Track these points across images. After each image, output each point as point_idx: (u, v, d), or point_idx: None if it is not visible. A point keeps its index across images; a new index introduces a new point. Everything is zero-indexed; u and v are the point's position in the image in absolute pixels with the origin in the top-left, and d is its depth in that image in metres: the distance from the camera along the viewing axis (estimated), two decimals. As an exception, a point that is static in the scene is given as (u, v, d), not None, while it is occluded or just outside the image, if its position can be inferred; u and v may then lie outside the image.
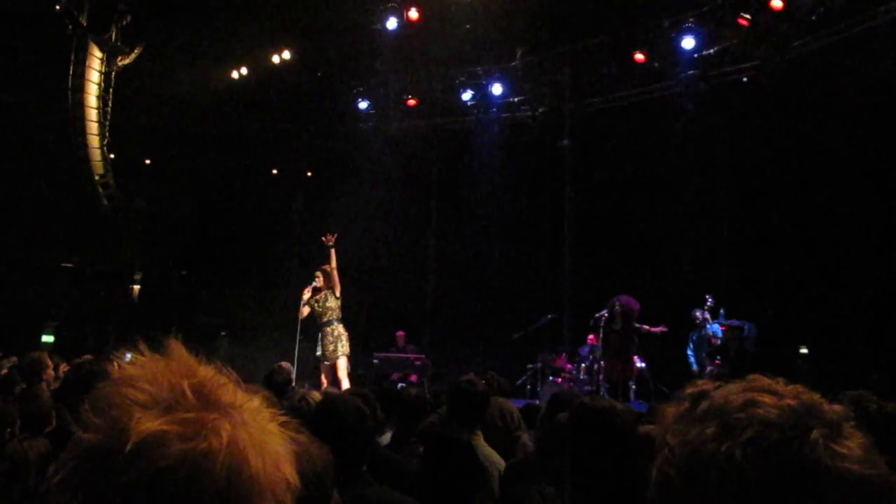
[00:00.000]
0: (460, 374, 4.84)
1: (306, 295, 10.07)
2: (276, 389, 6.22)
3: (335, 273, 10.02)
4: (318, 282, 10.05)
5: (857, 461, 0.90)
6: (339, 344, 9.96)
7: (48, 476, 0.81)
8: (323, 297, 10.01)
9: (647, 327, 10.90)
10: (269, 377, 6.76)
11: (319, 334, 10.10)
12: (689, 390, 1.03)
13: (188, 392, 0.82)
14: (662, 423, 1.02)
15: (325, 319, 10.01)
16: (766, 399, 0.94)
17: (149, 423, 0.78)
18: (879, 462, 0.92)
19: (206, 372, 0.87)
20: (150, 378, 0.83)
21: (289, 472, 0.86)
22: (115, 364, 0.88)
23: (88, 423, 0.81)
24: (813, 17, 11.09)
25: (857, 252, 10.81)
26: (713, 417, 0.95)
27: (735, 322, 9.69)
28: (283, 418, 0.92)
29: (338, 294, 10.05)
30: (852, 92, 10.61)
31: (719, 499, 0.91)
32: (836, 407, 0.96)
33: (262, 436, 0.85)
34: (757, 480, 0.89)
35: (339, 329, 10.03)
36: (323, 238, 10.10)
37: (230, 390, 0.87)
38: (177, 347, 0.88)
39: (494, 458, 4.10)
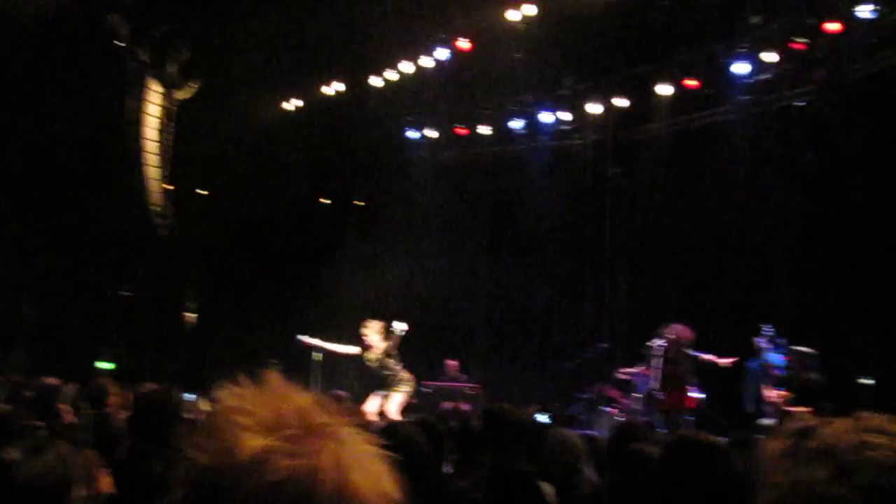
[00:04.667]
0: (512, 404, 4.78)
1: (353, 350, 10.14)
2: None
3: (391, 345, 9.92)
4: (366, 337, 9.93)
5: None
6: (402, 385, 10.02)
7: (169, 497, 0.87)
8: (382, 359, 9.94)
9: (711, 357, 10.60)
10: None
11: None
12: (792, 426, 1.02)
13: (289, 416, 0.87)
14: (764, 460, 1.02)
15: (394, 379, 10.01)
16: (879, 440, 0.93)
17: (256, 442, 0.83)
18: None
19: (304, 398, 0.92)
20: (252, 404, 0.88)
21: (390, 488, 0.90)
22: (217, 397, 0.93)
23: (199, 446, 0.86)
24: (874, 40, 10.86)
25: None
26: (824, 458, 0.94)
27: (804, 349, 9.41)
28: (378, 440, 0.96)
29: (393, 354, 10.02)
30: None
31: None
32: None
33: (363, 455, 0.89)
34: None
35: (404, 375, 10.07)
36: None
37: (328, 414, 0.91)
38: (273, 377, 0.94)
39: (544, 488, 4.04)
